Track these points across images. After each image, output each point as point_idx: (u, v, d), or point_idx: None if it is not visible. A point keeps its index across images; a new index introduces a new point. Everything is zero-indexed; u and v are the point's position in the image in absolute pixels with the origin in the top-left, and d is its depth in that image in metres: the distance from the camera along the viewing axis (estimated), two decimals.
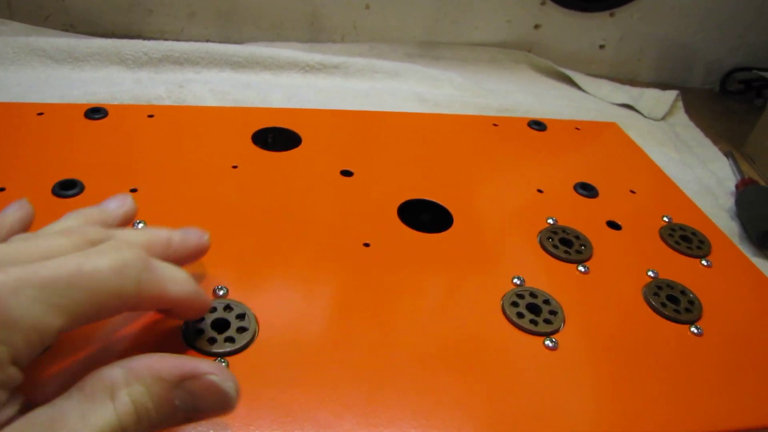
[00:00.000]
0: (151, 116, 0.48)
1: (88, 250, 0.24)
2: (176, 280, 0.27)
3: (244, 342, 0.30)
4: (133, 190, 0.40)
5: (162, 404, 0.23)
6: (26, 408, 0.22)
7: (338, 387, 0.29)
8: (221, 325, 0.31)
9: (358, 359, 0.31)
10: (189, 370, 0.24)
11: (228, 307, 0.32)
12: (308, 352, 0.31)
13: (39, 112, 0.47)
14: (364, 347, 0.32)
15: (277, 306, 0.33)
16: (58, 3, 0.74)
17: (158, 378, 0.23)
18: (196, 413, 0.24)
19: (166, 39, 0.70)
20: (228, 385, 0.24)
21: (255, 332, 0.31)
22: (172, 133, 0.47)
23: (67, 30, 0.75)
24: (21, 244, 0.25)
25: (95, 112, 0.47)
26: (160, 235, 0.30)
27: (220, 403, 0.24)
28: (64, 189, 0.39)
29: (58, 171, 0.40)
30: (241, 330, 0.31)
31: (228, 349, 0.30)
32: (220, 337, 0.30)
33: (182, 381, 0.23)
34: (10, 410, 0.21)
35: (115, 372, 0.23)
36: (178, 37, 0.77)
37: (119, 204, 0.32)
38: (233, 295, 0.33)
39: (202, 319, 0.31)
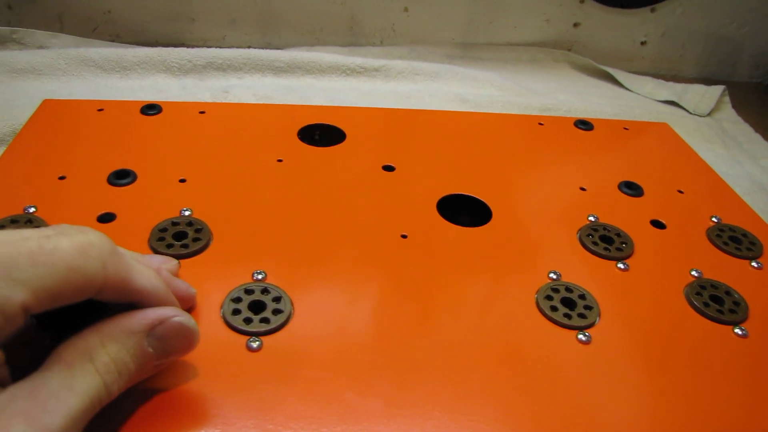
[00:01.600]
0: (202, 112, 0.50)
1: (53, 232, 0.24)
2: (143, 273, 0.26)
3: (278, 323, 0.31)
4: (182, 181, 0.42)
5: (138, 355, 0.25)
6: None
7: (367, 371, 0.30)
8: (258, 307, 0.32)
9: (389, 346, 0.32)
10: (156, 317, 0.26)
11: (265, 290, 0.33)
12: (341, 336, 0.32)
13: (99, 108, 0.49)
14: (396, 334, 0.32)
15: (314, 291, 0.34)
16: (105, 15, 0.76)
17: (130, 332, 0.25)
18: (166, 357, 0.26)
19: (208, 46, 0.71)
20: (192, 323, 0.27)
21: (290, 315, 0.32)
22: (221, 129, 0.48)
23: (113, 40, 0.77)
24: None
25: (150, 109, 0.50)
26: (152, 259, 0.30)
27: (186, 341, 0.27)
28: (119, 178, 0.41)
29: (113, 162, 0.43)
30: (277, 312, 0.32)
31: (262, 329, 0.31)
32: (256, 318, 0.31)
33: (152, 329, 0.25)
34: None
35: (90, 337, 0.24)
36: (221, 44, 0.79)
37: (163, 260, 0.32)
38: (271, 280, 0.34)
39: (240, 299, 0.32)
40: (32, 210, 0.37)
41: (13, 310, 0.21)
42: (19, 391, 0.22)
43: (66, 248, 0.23)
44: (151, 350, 0.25)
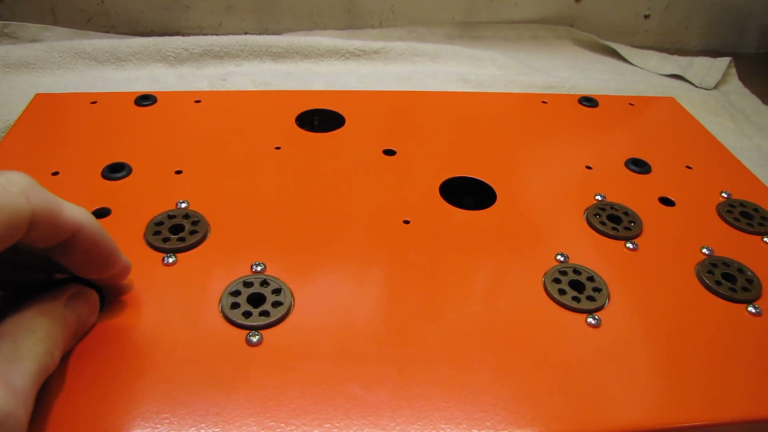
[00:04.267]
0: (198, 101, 0.49)
1: None
2: (73, 206, 0.26)
3: (278, 316, 0.31)
4: (178, 172, 0.41)
5: (63, 324, 0.26)
6: None
7: (371, 361, 0.29)
8: (258, 300, 0.32)
9: (393, 335, 0.31)
10: (70, 290, 0.27)
11: (264, 282, 0.32)
12: (343, 327, 0.31)
13: (93, 101, 0.48)
14: (400, 323, 0.32)
15: (314, 282, 0.34)
16: (99, 6, 0.75)
17: (54, 304, 0.26)
18: (79, 326, 0.28)
19: (205, 34, 0.70)
20: (94, 294, 0.29)
21: (290, 307, 0.31)
22: (217, 118, 0.47)
23: (108, 31, 0.76)
24: None
25: (145, 99, 0.49)
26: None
27: (94, 310, 0.29)
28: (113, 172, 0.40)
29: (108, 155, 0.42)
30: (277, 304, 0.31)
31: (262, 323, 0.30)
32: (256, 311, 0.31)
33: (68, 300, 0.27)
34: None
35: (26, 312, 0.25)
36: (217, 32, 0.78)
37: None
38: (271, 271, 0.34)
39: (239, 293, 0.31)
40: None
41: None
42: None
43: None
44: (71, 319, 0.27)
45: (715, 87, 0.74)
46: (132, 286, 0.31)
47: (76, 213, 0.26)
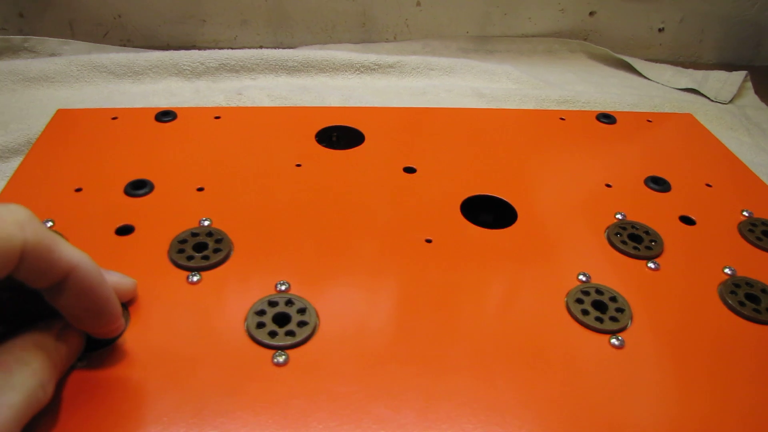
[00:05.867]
0: (217, 117, 0.49)
1: None
2: (71, 245, 0.25)
3: (304, 336, 0.31)
4: (200, 189, 0.41)
5: (56, 358, 0.26)
6: None
7: (397, 382, 0.29)
8: (282, 320, 0.32)
9: (418, 355, 0.31)
10: (62, 323, 0.27)
11: (289, 302, 0.32)
12: (368, 347, 0.31)
13: (113, 116, 0.49)
14: (424, 343, 0.32)
15: (338, 301, 0.34)
16: (116, 20, 0.75)
17: (48, 336, 0.26)
18: (69, 359, 0.27)
19: (220, 48, 0.71)
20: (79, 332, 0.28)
21: (315, 326, 0.31)
22: (237, 134, 0.47)
23: (125, 45, 0.76)
24: None
25: (165, 115, 0.49)
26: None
27: (82, 343, 0.28)
28: (136, 188, 0.40)
29: (130, 171, 0.42)
30: (302, 324, 0.31)
31: (288, 343, 0.30)
32: (281, 331, 0.31)
33: (60, 332, 0.27)
34: None
35: (20, 342, 0.25)
36: (232, 45, 0.78)
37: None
38: (295, 290, 0.34)
39: (264, 312, 0.31)
40: (50, 225, 0.36)
41: None
42: None
43: None
44: (62, 351, 0.26)
45: (731, 101, 0.73)
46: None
47: (72, 253, 0.25)
